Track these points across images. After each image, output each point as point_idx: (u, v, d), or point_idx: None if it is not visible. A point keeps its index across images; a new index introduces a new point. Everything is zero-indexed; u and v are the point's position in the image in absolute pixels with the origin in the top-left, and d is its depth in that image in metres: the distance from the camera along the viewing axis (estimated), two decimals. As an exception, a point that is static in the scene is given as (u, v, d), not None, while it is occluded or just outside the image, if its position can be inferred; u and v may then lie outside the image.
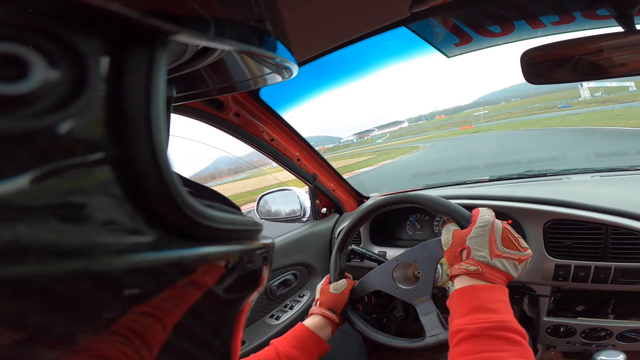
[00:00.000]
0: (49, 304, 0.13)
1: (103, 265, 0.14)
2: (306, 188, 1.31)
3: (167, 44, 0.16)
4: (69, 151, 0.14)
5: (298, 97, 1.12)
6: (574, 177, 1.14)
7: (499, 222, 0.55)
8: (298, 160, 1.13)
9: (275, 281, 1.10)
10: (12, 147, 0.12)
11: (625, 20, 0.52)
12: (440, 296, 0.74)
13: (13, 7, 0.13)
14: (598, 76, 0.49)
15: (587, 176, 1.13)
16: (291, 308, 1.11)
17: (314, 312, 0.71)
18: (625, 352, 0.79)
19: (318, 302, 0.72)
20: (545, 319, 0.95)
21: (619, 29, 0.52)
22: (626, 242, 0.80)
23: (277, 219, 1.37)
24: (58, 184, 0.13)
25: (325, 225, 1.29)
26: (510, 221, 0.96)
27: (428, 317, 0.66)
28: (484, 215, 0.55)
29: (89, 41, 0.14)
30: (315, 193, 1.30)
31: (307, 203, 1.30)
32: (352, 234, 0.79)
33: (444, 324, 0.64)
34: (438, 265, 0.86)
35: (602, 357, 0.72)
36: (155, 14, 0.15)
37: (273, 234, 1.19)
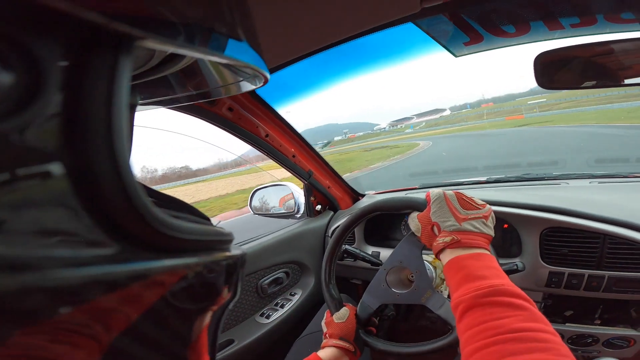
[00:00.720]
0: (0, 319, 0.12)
1: (58, 278, 0.14)
2: (301, 184, 1.28)
3: (133, 49, 0.16)
4: (21, 160, 0.13)
5: (296, 92, 1.07)
6: (572, 182, 1.13)
7: (449, 191, 0.58)
8: (293, 156, 1.10)
9: (267, 279, 1.08)
10: None
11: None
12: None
13: None
14: (621, 83, 0.46)
15: (586, 182, 1.12)
16: (282, 307, 1.10)
17: (326, 344, 0.67)
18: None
19: (327, 335, 0.69)
20: None
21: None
22: (622, 252, 0.80)
23: (270, 214, 1.34)
24: (9, 195, 0.13)
25: (319, 222, 1.27)
26: (506, 225, 0.95)
27: (444, 309, 0.64)
28: (434, 191, 0.58)
29: (47, 45, 0.13)
30: (310, 190, 1.27)
31: (302, 199, 1.28)
32: (332, 265, 0.78)
33: None
34: (431, 267, 0.84)
35: None
36: (121, 18, 0.14)
37: (266, 230, 1.16)
